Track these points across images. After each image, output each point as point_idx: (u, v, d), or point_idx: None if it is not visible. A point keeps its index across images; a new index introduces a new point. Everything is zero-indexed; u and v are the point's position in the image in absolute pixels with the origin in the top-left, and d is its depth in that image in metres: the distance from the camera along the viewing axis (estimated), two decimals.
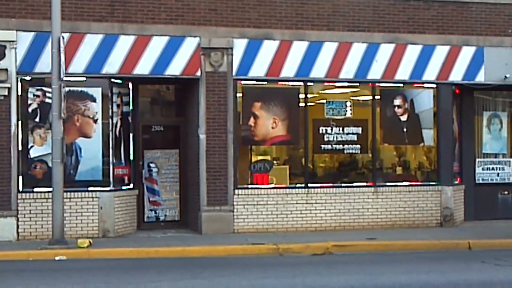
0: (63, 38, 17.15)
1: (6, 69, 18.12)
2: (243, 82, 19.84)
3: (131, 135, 19.90)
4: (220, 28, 19.47)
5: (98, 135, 18.85)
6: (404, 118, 21.18)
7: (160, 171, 20.82)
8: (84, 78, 18.70)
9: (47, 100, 18.20)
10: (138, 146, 20.33)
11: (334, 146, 20.55)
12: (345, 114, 20.67)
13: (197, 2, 19.36)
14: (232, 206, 19.58)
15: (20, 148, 18.35)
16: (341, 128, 20.58)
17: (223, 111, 19.52)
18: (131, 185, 19.84)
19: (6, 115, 18.20)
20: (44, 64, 18.03)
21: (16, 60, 18.21)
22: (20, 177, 18.35)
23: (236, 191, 19.62)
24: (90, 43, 18.59)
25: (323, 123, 20.51)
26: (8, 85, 18.14)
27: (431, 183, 21.25)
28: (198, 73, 19.37)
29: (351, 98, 20.87)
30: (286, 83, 20.21)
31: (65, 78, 17.19)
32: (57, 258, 16.21)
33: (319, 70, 20.13)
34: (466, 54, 21.16)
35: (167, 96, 21.59)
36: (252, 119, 19.98)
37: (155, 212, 20.75)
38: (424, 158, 21.79)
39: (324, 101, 20.65)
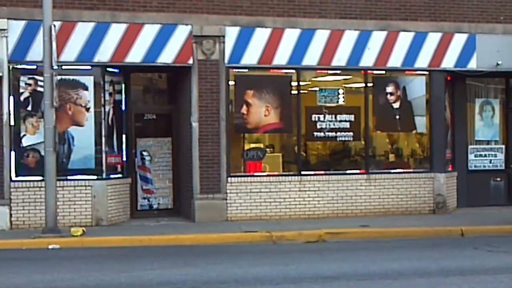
0: (54, 26, 17.10)
1: None
2: (235, 70, 19.82)
3: (123, 123, 19.89)
4: (212, 16, 19.43)
5: (90, 124, 18.83)
6: (396, 105, 21.20)
7: (153, 159, 20.81)
8: (76, 67, 18.66)
9: (39, 89, 18.16)
10: (131, 135, 20.31)
11: (326, 133, 20.56)
12: (338, 101, 20.68)
13: None
14: (225, 194, 19.60)
15: (12, 137, 18.33)
16: (333, 116, 20.58)
17: (216, 99, 19.51)
18: (124, 174, 19.84)
19: None
20: (35, 53, 17.99)
21: (8, 48, 18.16)
22: (13, 166, 18.33)
23: (229, 179, 19.63)
24: (82, 31, 18.55)
25: (315, 110, 20.51)
26: (0, 74, 18.09)
27: (424, 170, 21.29)
28: (190, 61, 19.35)
29: (344, 85, 20.87)
30: (279, 70, 20.20)
31: (57, 67, 17.15)
32: (50, 246, 16.21)
33: (311, 57, 20.12)
34: (458, 41, 21.17)
35: (159, 84, 21.57)
36: (244, 107, 19.98)
37: (148, 200, 20.76)
38: (417, 145, 21.83)
39: (317, 88, 20.65)
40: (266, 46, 19.80)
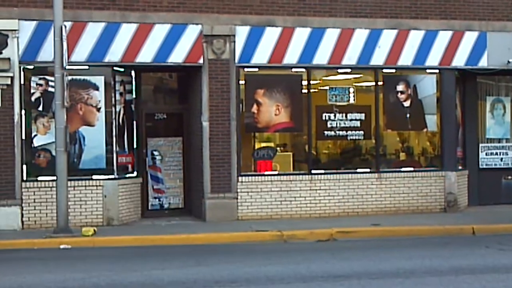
0: (65, 26, 17.14)
1: (9, 58, 18.13)
2: (245, 69, 19.82)
3: (134, 123, 19.92)
4: (222, 15, 19.44)
5: (101, 124, 18.87)
6: (407, 103, 21.16)
7: (164, 159, 20.84)
8: (86, 67, 18.70)
9: (50, 89, 18.20)
10: (142, 134, 20.34)
11: (337, 132, 20.55)
12: (348, 100, 20.66)
13: None
14: (236, 193, 19.60)
15: (23, 137, 18.38)
16: (344, 115, 20.57)
17: (226, 99, 19.52)
18: (135, 173, 19.87)
19: (9, 104, 18.22)
20: (46, 53, 18.03)
21: (19, 49, 18.20)
22: (24, 166, 18.38)
23: (239, 178, 19.64)
24: (92, 31, 18.58)
25: (326, 109, 20.50)
26: (11, 74, 18.15)
27: (435, 168, 21.25)
28: (201, 61, 19.36)
29: (354, 84, 20.85)
30: (289, 69, 20.20)
31: (67, 67, 17.19)
32: (61, 246, 16.26)
33: (322, 56, 20.10)
34: (469, 39, 21.12)
35: (170, 84, 21.60)
36: (255, 106, 19.98)
37: (159, 200, 20.79)
38: (428, 143, 21.79)
39: (327, 87, 20.64)
40: (276, 45, 19.79)
